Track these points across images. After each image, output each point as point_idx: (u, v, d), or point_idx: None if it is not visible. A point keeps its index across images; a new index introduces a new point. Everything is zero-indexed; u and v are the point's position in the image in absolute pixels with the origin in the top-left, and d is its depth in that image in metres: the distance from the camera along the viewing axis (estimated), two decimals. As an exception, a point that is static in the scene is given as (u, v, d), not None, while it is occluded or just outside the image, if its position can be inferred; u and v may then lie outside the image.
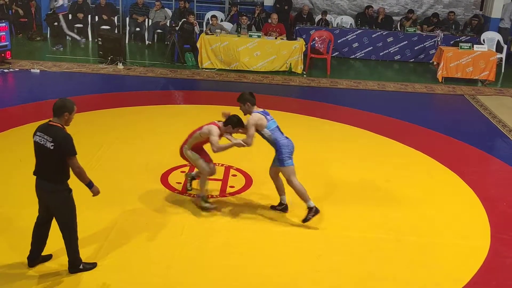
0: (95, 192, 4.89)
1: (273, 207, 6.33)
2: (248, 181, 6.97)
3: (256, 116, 5.92)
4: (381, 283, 5.13)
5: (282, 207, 6.30)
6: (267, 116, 5.99)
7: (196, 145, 6.19)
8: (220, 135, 6.05)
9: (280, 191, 6.28)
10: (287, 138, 6.03)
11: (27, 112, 9.08)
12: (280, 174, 6.12)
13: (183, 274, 5.08)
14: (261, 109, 6.05)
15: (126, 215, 6.01)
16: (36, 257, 4.98)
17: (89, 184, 4.81)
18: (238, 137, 6.20)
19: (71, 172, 4.73)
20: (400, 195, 6.87)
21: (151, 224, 5.86)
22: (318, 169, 7.37)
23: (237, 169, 7.25)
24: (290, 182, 6.00)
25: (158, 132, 8.47)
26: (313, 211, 5.98)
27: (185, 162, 6.63)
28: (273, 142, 5.96)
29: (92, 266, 5.00)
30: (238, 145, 6.02)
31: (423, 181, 7.33)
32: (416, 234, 5.97)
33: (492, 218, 6.38)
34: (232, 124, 5.96)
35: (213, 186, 6.76)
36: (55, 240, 4.97)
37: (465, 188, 7.14)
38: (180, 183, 6.80)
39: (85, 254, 5.13)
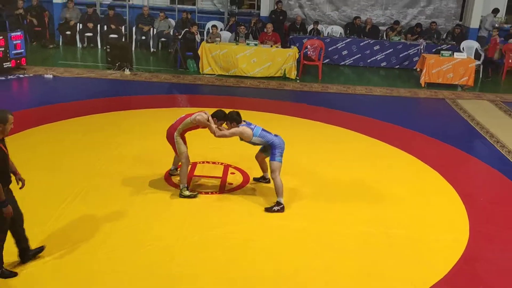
0: (6, 213, 4.48)
1: (256, 179, 6.82)
2: (246, 179, 6.97)
3: (240, 128, 6.18)
4: (371, 274, 5.14)
5: (266, 180, 6.76)
6: (250, 126, 6.20)
7: (185, 131, 6.32)
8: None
9: (264, 169, 6.71)
10: (276, 136, 6.22)
11: (41, 114, 9.06)
12: (267, 159, 6.39)
13: (185, 264, 5.09)
14: (244, 122, 6.26)
15: (132, 210, 6.00)
16: (23, 254, 4.86)
17: (2, 204, 4.42)
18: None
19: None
20: (388, 193, 6.86)
21: (155, 218, 5.87)
22: (311, 169, 7.37)
23: (235, 168, 7.25)
24: (273, 174, 6.15)
25: (162, 133, 8.40)
26: (280, 207, 6.12)
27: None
28: (267, 143, 6.19)
29: (11, 274, 4.71)
30: (213, 130, 6.21)
31: (408, 180, 7.33)
32: (403, 229, 5.98)
33: (471, 213, 6.39)
34: (217, 117, 6.22)
35: (213, 183, 6.78)
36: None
37: (447, 186, 7.15)
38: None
39: (94, 244, 5.22)
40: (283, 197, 6.14)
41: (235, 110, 6.36)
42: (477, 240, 5.79)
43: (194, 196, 6.34)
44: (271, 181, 6.26)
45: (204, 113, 6.24)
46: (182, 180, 6.38)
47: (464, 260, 5.40)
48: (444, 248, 5.64)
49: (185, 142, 6.40)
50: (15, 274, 4.74)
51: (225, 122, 6.30)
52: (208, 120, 6.18)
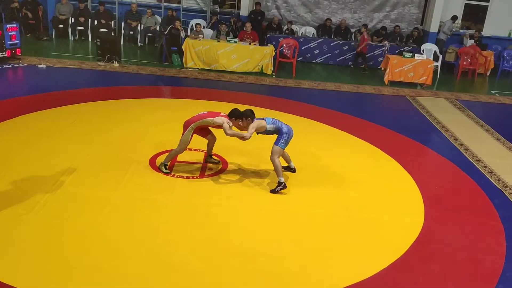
0: None
1: (284, 167, 6.71)
2: (224, 165, 6.95)
3: (257, 121, 6.31)
4: (331, 249, 5.19)
5: (291, 170, 6.84)
6: (264, 119, 6.39)
7: (201, 127, 6.37)
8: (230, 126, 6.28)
9: (287, 160, 6.80)
10: (287, 125, 6.41)
11: (34, 101, 8.89)
12: (286, 149, 6.48)
13: (168, 242, 5.06)
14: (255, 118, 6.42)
15: (119, 192, 5.93)
16: None
17: None
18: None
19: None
20: (351, 179, 6.92)
21: (141, 200, 5.81)
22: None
23: (215, 154, 7.21)
24: (272, 157, 6.29)
25: (147, 121, 8.37)
26: (281, 186, 6.23)
27: (170, 148, 6.76)
28: (278, 130, 6.33)
29: None
30: (242, 137, 6.26)
31: (370, 167, 7.40)
32: (363, 211, 6.04)
33: (426, 199, 6.48)
34: (235, 116, 6.27)
35: (195, 168, 6.75)
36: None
37: (404, 173, 7.24)
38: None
39: (85, 224, 5.13)
40: (282, 176, 6.28)
41: (249, 108, 6.43)
42: (431, 224, 5.89)
43: (167, 174, 6.46)
44: (272, 163, 6.32)
45: (226, 122, 6.14)
46: (167, 158, 6.53)
47: (420, 241, 5.48)
48: (401, 230, 5.72)
49: (203, 134, 6.58)
50: None
51: (241, 120, 6.32)
52: (230, 127, 6.19)
